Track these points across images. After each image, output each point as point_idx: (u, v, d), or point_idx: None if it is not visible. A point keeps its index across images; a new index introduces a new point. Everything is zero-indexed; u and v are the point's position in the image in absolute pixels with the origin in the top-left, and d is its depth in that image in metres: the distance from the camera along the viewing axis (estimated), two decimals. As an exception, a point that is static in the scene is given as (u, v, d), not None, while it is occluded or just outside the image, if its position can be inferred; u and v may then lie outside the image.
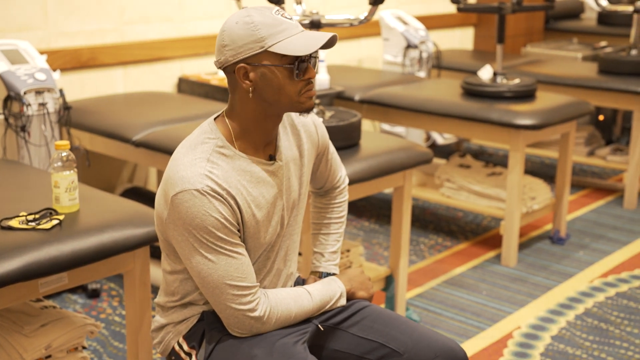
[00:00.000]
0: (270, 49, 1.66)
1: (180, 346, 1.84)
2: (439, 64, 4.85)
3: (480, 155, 5.41)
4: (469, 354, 2.94)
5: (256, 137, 1.76)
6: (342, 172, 2.08)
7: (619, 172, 5.14)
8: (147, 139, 3.13)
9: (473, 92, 3.83)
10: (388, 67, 4.72)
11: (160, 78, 4.01)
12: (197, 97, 3.83)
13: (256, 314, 1.73)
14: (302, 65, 1.68)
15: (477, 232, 4.12)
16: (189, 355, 1.82)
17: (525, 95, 3.80)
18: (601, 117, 5.56)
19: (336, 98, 3.89)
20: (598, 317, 3.22)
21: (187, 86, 4.00)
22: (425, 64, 4.66)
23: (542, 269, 3.69)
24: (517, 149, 3.57)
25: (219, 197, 1.68)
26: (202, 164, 1.69)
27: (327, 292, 1.87)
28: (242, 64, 1.68)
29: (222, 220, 1.68)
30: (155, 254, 3.49)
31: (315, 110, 2.92)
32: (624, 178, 4.60)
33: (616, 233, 4.13)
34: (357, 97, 3.99)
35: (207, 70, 4.17)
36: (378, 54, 5.09)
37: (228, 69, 1.71)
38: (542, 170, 5.10)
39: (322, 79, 3.86)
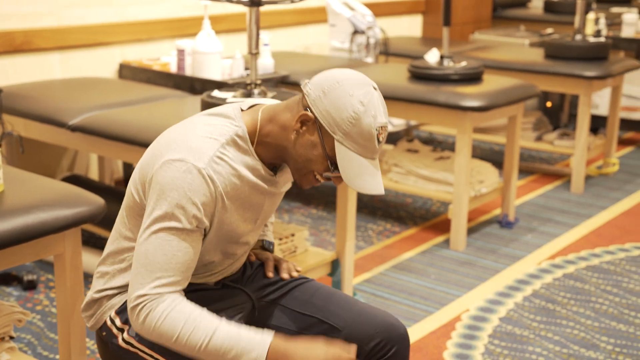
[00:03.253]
0: (335, 141, 1.60)
1: (113, 321, 1.74)
2: (386, 50, 4.81)
3: (430, 142, 5.38)
4: (417, 337, 2.90)
5: (272, 152, 1.69)
6: None
7: (567, 157, 5.17)
8: (84, 124, 3.03)
9: (420, 75, 3.80)
10: (335, 54, 4.67)
11: (100, 64, 3.89)
12: (139, 83, 3.73)
13: (149, 310, 1.58)
14: (338, 172, 1.64)
15: (426, 218, 4.09)
16: (122, 330, 1.72)
17: (471, 78, 3.77)
18: (549, 104, 5.58)
19: (281, 83, 3.81)
20: (545, 298, 3.20)
21: (128, 72, 3.89)
22: (373, 49, 4.62)
23: (491, 252, 3.67)
24: (464, 131, 3.54)
25: (211, 189, 1.60)
26: (216, 145, 1.62)
27: (240, 343, 1.57)
28: (312, 116, 1.60)
29: (196, 212, 1.59)
30: (87, 242, 3.38)
31: (257, 91, 2.84)
32: (571, 163, 4.61)
33: (564, 216, 4.14)
34: (303, 82, 3.91)
35: (149, 55, 4.07)
36: (325, 40, 5.03)
37: (305, 99, 1.62)
38: (491, 157, 5.10)
39: (265, 63, 3.80)
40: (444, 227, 3.93)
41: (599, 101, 5.45)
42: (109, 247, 1.79)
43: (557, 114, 5.59)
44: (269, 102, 1.76)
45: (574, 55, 4.46)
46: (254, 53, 2.79)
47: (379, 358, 1.84)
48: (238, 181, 1.65)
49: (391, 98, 3.69)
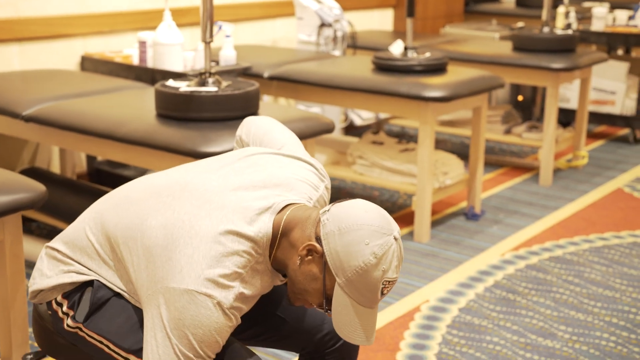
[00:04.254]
0: (336, 283, 1.49)
1: (60, 304, 1.67)
2: (354, 43, 4.79)
3: (402, 136, 5.36)
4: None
5: (279, 264, 1.60)
6: None
7: (537, 150, 5.16)
8: (38, 114, 2.98)
9: (384, 66, 3.77)
10: (303, 47, 4.64)
11: (61, 56, 3.84)
12: (100, 75, 3.69)
13: None
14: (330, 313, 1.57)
15: (392, 210, 4.07)
16: (67, 314, 1.67)
17: (435, 69, 3.75)
18: (520, 98, 5.58)
19: (243, 75, 3.78)
20: (506, 289, 3.19)
21: (90, 64, 3.85)
22: (340, 42, 4.59)
23: (455, 244, 3.65)
24: (427, 122, 3.52)
25: (233, 323, 1.52)
26: (239, 282, 1.51)
27: None
28: (321, 250, 1.50)
29: (220, 344, 1.51)
30: (28, 230, 3.33)
31: (211, 80, 2.81)
32: (539, 155, 4.60)
33: (530, 209, 4.13)
34: (266, 74, 3.89)
35: (112, 48, 4.02)
36: (293, 34, 5.00)
37: (319, 227, 1.52)
38: (462, 151, 5.08)
39: (227, 55, 3.76)
40: (409, 219, 3.91)
41: (571, 95, 5.45)
42: (80, 244, 1.66)
43: (529, 108, 5.59)
44: (297, 198, 1.62)
45: (541, 48, 4.45)
46: (207, 42, 2.76)
47: (328, 348, 1.82)
48: (256, 298, 1.59)
49: (354, 89, 3.67)
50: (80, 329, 1.65)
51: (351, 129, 5.25)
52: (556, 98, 4.36)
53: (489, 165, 4.83)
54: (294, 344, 1.82)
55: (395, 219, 3.89)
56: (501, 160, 4.89)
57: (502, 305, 3.04)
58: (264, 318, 1.79)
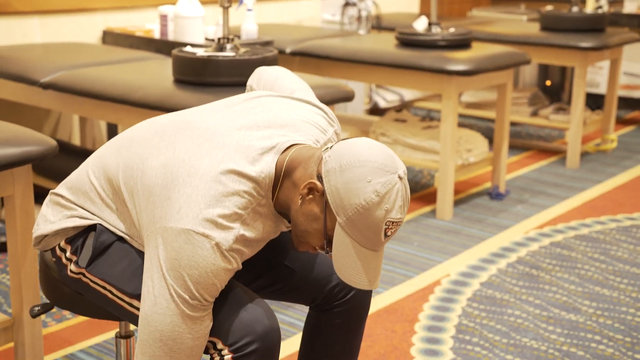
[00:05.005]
0: (337, 222, 1.43)
1: (63, 250, 1.64)
2: (379, 24, 4.72)
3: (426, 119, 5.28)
4: (393, 300, 2.82)
5: (283, 206, 1.54)
6: None
7: (564, 134, 5.06)
8: (56, 81, 2.96)
9: (407, 41, 3.71)
10: (327, 26, 4.59)
11: (82, 30, 3.83)
12: (121, 47, 3.67)
13: None
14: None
15: (415, 190, 4.00)
16: (70, 260, 1.63)
17: (460, 44, 3.68)
18: (548, 83, 5.48)
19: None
20: (530, 265, 3.11)
21: (112, 39, 3.83)
22: (365, 22, 4.53)
23: (478, 222, 3.58)
24: (450, 96, 3.45)
25: (233, 265, 1.45)
26: (239, 223, 1.45)
27: None
28: (322, 188, 1.43)
29: (218, 287, 1.45)
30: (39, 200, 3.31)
31: (229, 45, 2.77)
32: (567, 137, 4.51)
33: (556, 189, 4.04)
34: (288, 50, 3.84)
35: (133, 23, 4.00)
36: (317, 14, 4.95)
37: (321, 164, 1.45)
38: (488, 134, 4.99)
39: (249, 29, 3.72)
40: (431, 198, 3.84)
41: (600, 80, 5.34)
42: (83, 188, 1.61)
43: (558, 93, 5.48)
44: (302, 139, 1.56)
45: (569, 27, 4.35)
46: (226, 7, 2.72)
47: (338, 300, 1.77)
48: (259, 243, 1.54)
49: (377, 64, 3.62)
50: (84, 275, 1.61)
51: (375, 112, 5.18)
52: (584, 79, 4.26)
53: (515, 148, 4.74)
54: (304, 296, 1.77)
55: (418, 198, 3.85)
56: (527, 143, 4.80)
57: (525, 281, 2.97)
58: (271, 267, 1.75)
